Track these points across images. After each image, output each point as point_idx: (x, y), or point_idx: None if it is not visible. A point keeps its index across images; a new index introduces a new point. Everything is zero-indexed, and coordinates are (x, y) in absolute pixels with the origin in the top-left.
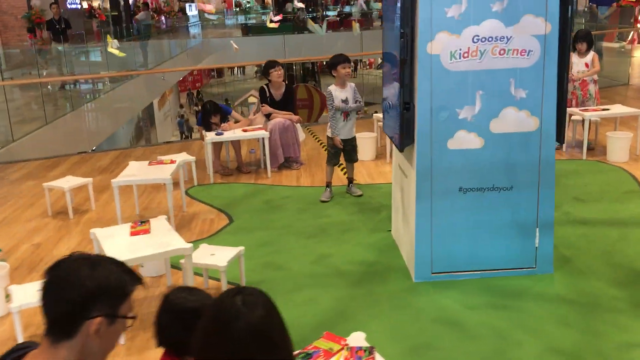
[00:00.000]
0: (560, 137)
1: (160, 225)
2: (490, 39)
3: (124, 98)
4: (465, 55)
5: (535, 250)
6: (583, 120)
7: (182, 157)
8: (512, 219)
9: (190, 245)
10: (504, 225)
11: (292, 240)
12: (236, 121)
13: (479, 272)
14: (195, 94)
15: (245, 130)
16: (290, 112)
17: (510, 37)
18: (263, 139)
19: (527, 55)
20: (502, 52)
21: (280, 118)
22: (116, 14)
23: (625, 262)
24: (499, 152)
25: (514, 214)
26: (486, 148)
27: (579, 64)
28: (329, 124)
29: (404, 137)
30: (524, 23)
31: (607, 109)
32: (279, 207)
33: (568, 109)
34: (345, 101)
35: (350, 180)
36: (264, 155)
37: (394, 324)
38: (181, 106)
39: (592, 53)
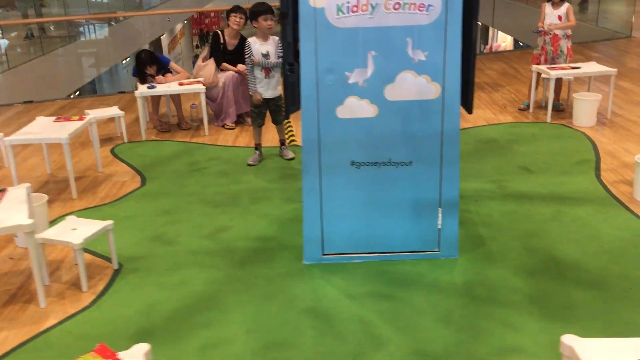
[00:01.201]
0: (467, 106)
1: (16, 195)
2: None
3: (100, 45)
4: (355, 9)
5: (437, 233)
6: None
7: (112, 111)
8: (412, 198)
9: (31, 221)
10: (402, 204)
11: (197, 209)
12: (175, 73)
13: (375, 255)
14: (205, 36)
15: (181, 84)
16: (243, 65)
17: None
18: (201, 93)
19: (427, 11)
20: (397, 6)
21: (233, 72)
22: None
23: (544, 246)
24: (395, 122)
25: (414, 192)
26: (381, 117)
27: (552, 15)
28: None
29: (289, 103)
30: None
31: (578, 67)
32: (200, 170)
33: (536, 66)
34: (266, 55)
35: (282, 142)
36: (208, 110)
37: (259, 314)
38: (197, 46)
39: (566, 4)
